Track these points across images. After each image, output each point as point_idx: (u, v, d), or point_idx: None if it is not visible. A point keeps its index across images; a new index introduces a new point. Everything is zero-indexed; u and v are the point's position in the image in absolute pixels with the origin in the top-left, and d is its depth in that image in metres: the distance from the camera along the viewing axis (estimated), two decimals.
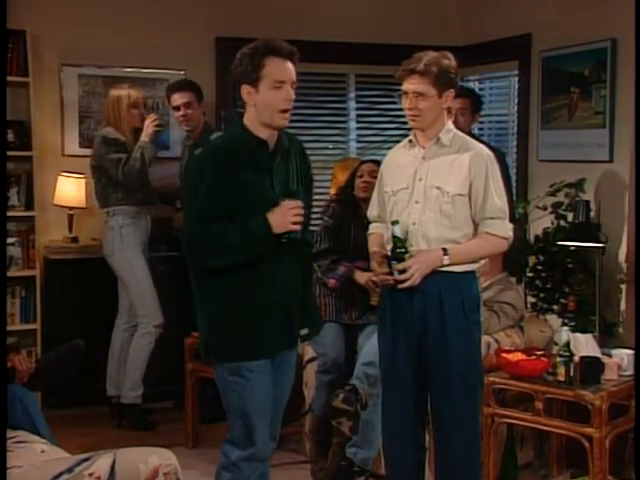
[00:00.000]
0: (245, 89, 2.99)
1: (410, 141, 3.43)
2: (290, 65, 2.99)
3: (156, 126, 5.01)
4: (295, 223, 2.97)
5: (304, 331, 3.16)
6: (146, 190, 5.04)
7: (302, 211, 2.98)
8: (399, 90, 3.36)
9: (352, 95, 6.29)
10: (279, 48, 2.97)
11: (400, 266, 3.25)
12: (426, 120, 3.32)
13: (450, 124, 3.42)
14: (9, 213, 5.00)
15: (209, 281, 3.07)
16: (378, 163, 4.61)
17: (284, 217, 2.96)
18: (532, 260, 5.01)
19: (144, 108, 5.06)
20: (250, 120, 3.04)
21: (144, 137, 4.96)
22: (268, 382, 3.09)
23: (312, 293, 3.35)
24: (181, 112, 4.93)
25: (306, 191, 3.19)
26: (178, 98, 4.93)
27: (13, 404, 3.06)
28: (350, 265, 4.33)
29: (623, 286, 4.75)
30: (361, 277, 4.27)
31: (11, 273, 5.08)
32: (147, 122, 5.00)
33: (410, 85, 3.29)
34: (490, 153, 3.39)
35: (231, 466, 3.10)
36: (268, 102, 2.97)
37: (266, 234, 2.96)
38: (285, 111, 2.99)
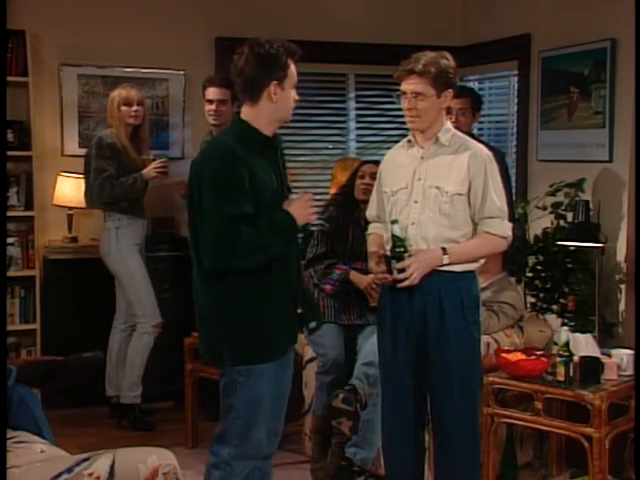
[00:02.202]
0: (274, 85, 3.04)
1: (409, 141, 3.44)
2: None
3: (159, 172, 5.00)
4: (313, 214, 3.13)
5: (313, 324, 3.22)
6: (134, 202, 5.02)
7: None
8: (398, 90, 3.36)
9: (352, 95, 6.28)
10: (297, 52, 3.11)
11: (399, 265, 3.25)
12: (425, 120, 3.32)
13: (449, 124, 3.42)
14: (8, 213, 4.99)
15: (226, 283, 3.01)
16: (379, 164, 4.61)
17: (305, 209, 3.06)
18: (532, 260, 5.01)
19: (139, 105, 5.03)
20: (258, 117, 3.06)
21: (145, 173, 4.97)
22: (276, 380, 3.10)
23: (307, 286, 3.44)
24: (213, 107, 4.93)
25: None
26: (214, 93, 4.93)
27: (19, 405, 3.06)
28: (346, 267, 4.33)
29: (622, 286, 4.76)
30: (360, 282, 4.27)
31: (11, 273, 5.08)
32: (154, 164, 5.00)
33: (409, 85, 3.29)
34: (489, 153, 3.39)
35: (222, 464, 3.09)
36: (289, 100, 3.09)
37: (293, 228, 3.04)
38: (292, 108, 3.15)
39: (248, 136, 3.05)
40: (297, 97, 3.11)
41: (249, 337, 3.03)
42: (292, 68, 3.07)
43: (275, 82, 3.02)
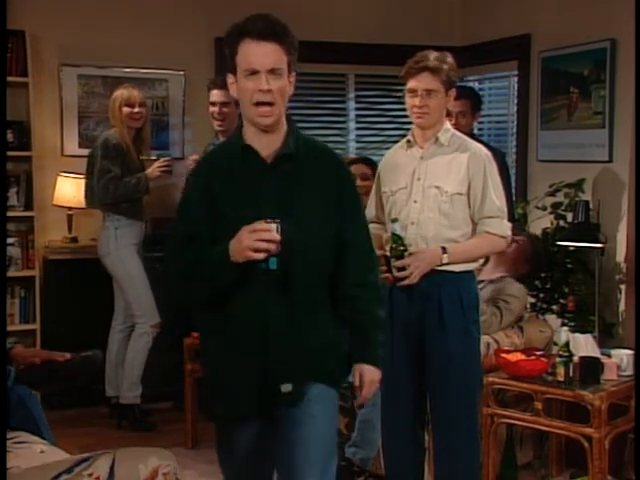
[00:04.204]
0: (230, 79, 2.52)
1: (408, 141, 3.44)
2: (269, 46, 2.45)
3: (163, 172, 5.00)
4: (258, 250, 2.36)
5: (286, 387, 2.49)
6: (133, 204, 5.02)
7: (271, 236, 2.35)
8: (399, 90, 3.38)
9: (351, 95, 6.28)
10: (249, 27, 2.46)
11: (399, 264, 3.26)
12: (433, 117, 3.33)
13: (448, 124, 3.43)
14: (8, 213, 4.99)
15: (198, 314, 2.67)
16: (370, 162, 4.58)
17: (241, 243, 2.37)
18: None
19: (141, 107, 5.03)
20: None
21: (149, 173, 4.97)
22: (245, 438, 2.60)
23: (328, 345, 2.56)
24: (216, 109, 4.92)
25: (341, 215, 2.54)
26: (217, 95, 4.92)
27: (18, 405, 3.06)
28: None
29: (622, 286, 4.75)
30: None
31: (10, 273, 5.08)
32: (157, 163, 5.01)
33: (420, 83, 3.29)
34: (488, 153, 3.40)
35: None
36: (241, 93, 2.47)
37: (224, 263, 2.41)
38: (259, 104, 2.43)
39: (227, 144, 2.65)
40: (262, 86, 2.40)
41: (206, 387, 2.68)
42: (242, 53, 2.44)
43: (229, 75, 2.51)
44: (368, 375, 2.58)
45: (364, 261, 2.61)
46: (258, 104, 2.42)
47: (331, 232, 2.52)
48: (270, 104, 2.42)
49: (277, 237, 2.35)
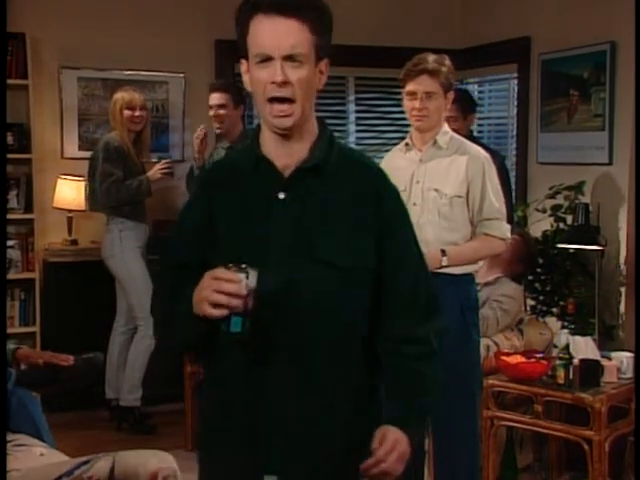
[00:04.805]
0: (243, 66, 1.94)
1: (407, 144, 3.44)
2: (286, 23, 1.83)
3: (164, 174, 5.02)
4: (218, 305, 1.76)
5: (270, 479, 1.91)
6: (136, 206, 5.03)
7: (233, 289, 1.74)
8: (399, 92, 3.37)
9: (351, 98, 6.28)
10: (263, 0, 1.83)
11: None
12: (432, 120, 3.34)
13: (446, 126, 3.43)
14: (8, 216, 4.99)
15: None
16: None
17: (200, 292, 1.80)
18: None
19: (142, 110, 5.04)
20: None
21: (150, 175, 4.98)
22: None
23: (333, 446, 1.92)
24: (212, 112, 4.98)
25: (384, 250, 1.92)
26: (213, 98, 4.99)
27: (18, 408, 3.06)
28: None
29: (622, 289, 4.76)
30: None
31: (10, 276, 5.07)
32: (158, 165, 5.02)
33: (419, 85, 3.29)
34: (487, 155, 3.40)
35: None
36: (253, 85, 1.91)
37: (185, 315, 1.86)
38: (274, 100, 1.87)
39: (245, 148, 2.04)
40: (275, 77, 1.84)
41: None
42: (254, 33, 1.86)
43: (243, 60, 1.94)
44: (391, 435, 1.87)
45: (412, 309, 1.96)
46: (272, 100, 1.87)
47: (363, 271, 1.91)
48: (289, 101, 1.88)
49: (242, 292, 1.74)
